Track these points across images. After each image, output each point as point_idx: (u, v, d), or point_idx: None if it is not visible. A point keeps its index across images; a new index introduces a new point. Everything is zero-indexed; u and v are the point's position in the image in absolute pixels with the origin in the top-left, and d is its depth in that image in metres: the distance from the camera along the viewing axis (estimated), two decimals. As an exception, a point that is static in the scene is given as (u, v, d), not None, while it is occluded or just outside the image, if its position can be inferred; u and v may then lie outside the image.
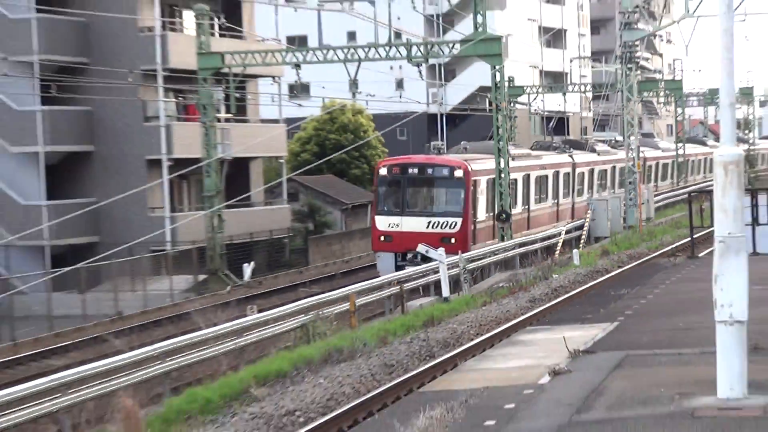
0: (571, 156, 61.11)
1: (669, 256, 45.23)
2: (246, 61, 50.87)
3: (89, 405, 21.54)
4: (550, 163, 57.28)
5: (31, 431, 22.11)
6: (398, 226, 44.89)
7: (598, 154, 66.76)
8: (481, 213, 47.07)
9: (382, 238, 45.52)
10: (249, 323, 29.28)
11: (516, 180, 51.26)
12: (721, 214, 16.37)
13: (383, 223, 45.59)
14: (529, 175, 53.27)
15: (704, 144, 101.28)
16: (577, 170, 61.47)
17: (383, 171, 46.50)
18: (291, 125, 69.95)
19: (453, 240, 43.79)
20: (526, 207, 53.18)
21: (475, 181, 45.86)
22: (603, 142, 76.35)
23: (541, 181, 55.07)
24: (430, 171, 46.08)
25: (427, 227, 44.84)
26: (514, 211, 49.43)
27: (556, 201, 57.51)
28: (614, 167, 68.89)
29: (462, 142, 55.04)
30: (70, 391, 21.84)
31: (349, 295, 33.46)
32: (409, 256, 43.29)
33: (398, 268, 42.76)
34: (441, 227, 44.65)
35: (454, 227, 44.58)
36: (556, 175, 57.43)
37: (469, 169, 45.46)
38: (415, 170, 46.19)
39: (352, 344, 27.59)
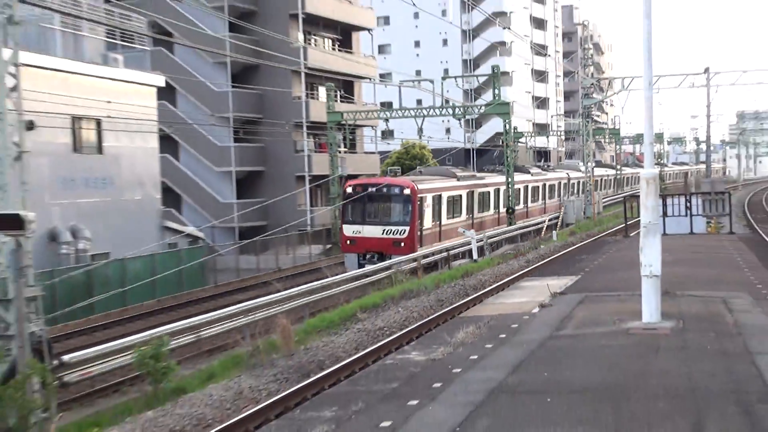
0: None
1: (612, 236, 44.67)
2: (356, 117, 50.85)
3: (260, 323, 21.58)
4: (491, 182, 47.48)
5: (225, 338, 22.20)
6: (360, 233, 36.95)
7: (532, 175, 56.74)
8: (427, 222, 38.59)
9: (348, 242, 37.21)
10: (357, 274, 29.29)
11: (461, 195, 42.33)
12: (644, 210, 16.27)
13: (349, 230, 37.14)
14: (473, 191, 43.85)
15: (614, 168, 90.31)
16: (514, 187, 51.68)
17: (350, 189, 37.65)
18: (382, 155, 70.10)
19: (402, 244, 36.71)
20: (470, 215, 43.67)
21: (421, 197, 37.75)
22: (538, 167, 66.80)
23: (483, 196, 45.66)
24: (385, 189, 37.60)
25: (383, 234, 36.73)
26: (458, 219, 41.99)
27: (497, 210, 47.79)
28: (544, 184, 58.68)
29: (418, 167, 50.02)
30: (249, 314, 21.97)
31: (417, 258, 33.41)
32: (368, 256, 36.36)
33: (360, 265, 34.88)
34: (393, 234, 36.79)
35: (403, 234, 36.64)
36: (497, 191, 47.88)
37: (416, 188, 37.50)
38: (374, 189, 37.38)
39: (418, 287, 27.53)
